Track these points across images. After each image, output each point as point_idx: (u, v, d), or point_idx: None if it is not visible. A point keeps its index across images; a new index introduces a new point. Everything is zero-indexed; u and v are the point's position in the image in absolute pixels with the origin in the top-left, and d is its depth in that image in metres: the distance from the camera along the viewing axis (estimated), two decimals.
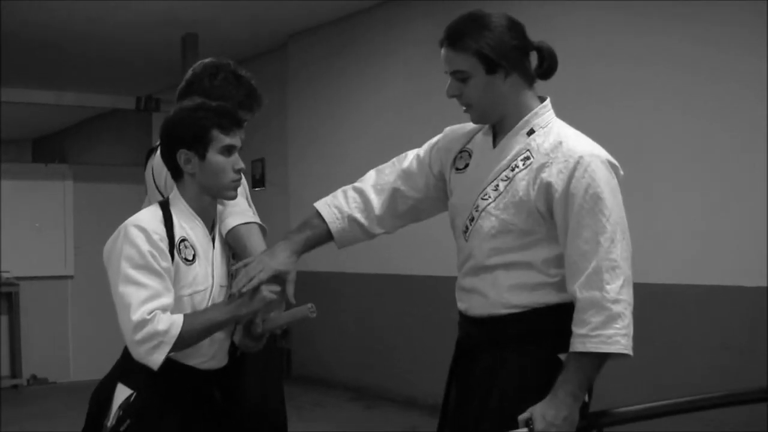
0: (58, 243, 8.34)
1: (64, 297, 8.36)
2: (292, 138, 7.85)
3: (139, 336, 2.08)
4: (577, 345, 1.98)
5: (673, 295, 4.58)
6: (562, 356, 2.05)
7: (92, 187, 8.53)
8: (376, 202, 2.34)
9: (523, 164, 2.09)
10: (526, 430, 1.96)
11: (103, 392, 2.25)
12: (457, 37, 2.09)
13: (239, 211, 2.37)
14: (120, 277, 2.12)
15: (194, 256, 2.22)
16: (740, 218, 4.43)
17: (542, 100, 2.17)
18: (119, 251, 2.14)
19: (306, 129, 7.69)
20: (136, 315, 2.07)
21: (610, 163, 2.05)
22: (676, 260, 4.62)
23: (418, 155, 2.38)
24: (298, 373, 7.60)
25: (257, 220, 2.40)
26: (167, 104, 8.73)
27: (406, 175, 2.36)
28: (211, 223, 2.32)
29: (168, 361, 2.12)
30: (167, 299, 2.13)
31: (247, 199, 2.53)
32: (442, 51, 2.13)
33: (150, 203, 2.54)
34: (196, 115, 2.21)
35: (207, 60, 2.83)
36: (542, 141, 2.10)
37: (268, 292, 2.18)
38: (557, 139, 2.08)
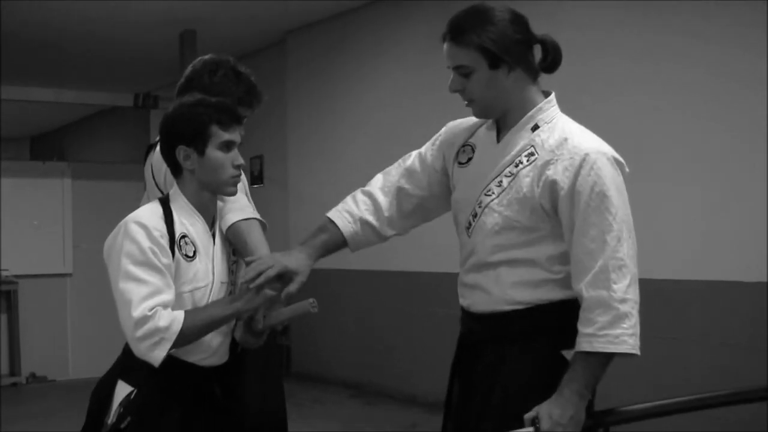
0: (56, 241, 8.33)
1: (63, 295, 8.36)
2: (291, 134, 7.84)
3: (140, 333, 2.07)
4: (584, 344, 1.97)
5: (674, 290, 4.58)
6: (565, 353, 2.05)
7: (91, 184, 8.53)
8: (385, 203, 2.34)
9: (527, 160, 2.08)
10: (532, 429, 1.95)
11: (103, 389, 2.25)
12: (459, 31, 2.07)
13: (239, 207, 2.36)
14: (120, 274, 2.11)
15: (195, 252, 2.22)
16: (740, 214, 4.42)
17: (546, 94, 2.15)
18: (119, 248, 2.13)
19: (305, 125, 7.69)
20: (137, 312, 2.07)
21: (615, 160, 2.04)
22: (677, 256, 4.62)
23: (420, 153, 2.37)
24: (297, 370, 7.60)
25: (257, 216, 2.40)
26: (166, 101, 8.73)
27: (409, 173, 2.35)
28: (211, 219, 2.31)
29: (168, 358, 2.11)
30: (168, 296, 2.12)
31: (246, 195, 2.52)
32: (445, 45, 2.11)
33: (149, 200, 2.53)
34: (195, 111, 2.20)
35: (207, 56, 2.82)
36: (547, 137, 2.08)
37: (270, 289, 2.17)
38: (562, 136, 2.06)
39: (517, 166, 2.09)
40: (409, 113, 6.52)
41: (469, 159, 2.22)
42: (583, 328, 1.98)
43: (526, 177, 2.07)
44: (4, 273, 7.93)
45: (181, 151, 2.21)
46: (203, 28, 7.45)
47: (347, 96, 7.24)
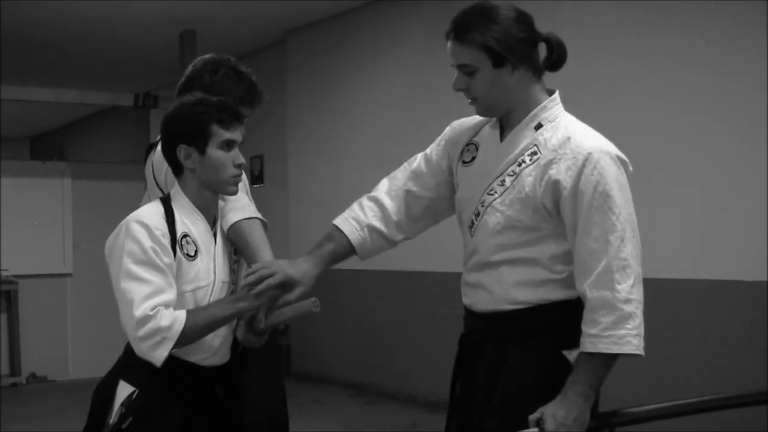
0: (56, 241, 8.33)
1: (63, 295, 8.35)
2: (291, 133, 7.84)
3: (141, 332, 2.07)
4: (588, 345, 1.96)
5: (674, 290, 4.58)
6: (566, 353, 2.04)
7: (91, 184, 8.52)
8: (392, 207, 2.31)
9: (530, 159, 2.07)
10: (536, 430, 1.94)
11: (105, 390, 2.24)
12: (463, 30, 2.06)
13: (240, 207, 2.35)
14: (122, 273, 2.10)
15: (196, 251, 2.21)
16: (740, 213, 4.42)
17: (551, 93, 2.14)
18: (121, 247, 2.12)
19: (305, 124, 7.68)
20: (139, 311, 2.06)
21: (619, 158, 2.02)
22: (677, 255, 4.62)
23: (426, 154, 2.35)
24: (297, 370, 7.59)
25: (259, 215, 2.39)
26: (166, 101, 8.73)
27: (415, 175, 2.33)
28: (212, 218, 2.31)
29: (170, 358, 2.11)
30: (170, 295, 2.12)
31: (247, 194, 2.52)
32: (449, 44, 2.10)
33: (150, 199, 2.53)
34: (195, 110, 2.20)
35: (207, 56, 2.82)
36: (550, 136, 2.07)
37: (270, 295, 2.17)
38: (565, 135, 2.05)
39: (520, 165, 2.08)
40: (409, 113, 6.52)
41: (473, 158, 2.21)
42: (587, 329, 1.97)
43: (529, 176, 2.06)
44: (4, 273, 7.92)
45: (182, 150, 2.20)
46: (203, 28, 7.45)
47: (347, 95, 7.24)
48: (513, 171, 2.09)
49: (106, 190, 8.44)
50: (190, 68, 2.81)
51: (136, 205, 2.35)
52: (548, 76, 2.15)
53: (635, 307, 1.96)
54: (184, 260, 2.18)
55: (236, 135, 2.23)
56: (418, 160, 2.35)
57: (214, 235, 2.29)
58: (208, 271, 2.24)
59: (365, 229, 2.30)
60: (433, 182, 2.31)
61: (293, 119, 7.81)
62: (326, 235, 2.32)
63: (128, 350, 2.20)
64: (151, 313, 2.07)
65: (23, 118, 12.03)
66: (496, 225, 2.10)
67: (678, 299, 4.62)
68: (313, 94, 7.58)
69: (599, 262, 1.96)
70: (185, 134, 2.19)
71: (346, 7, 7.09)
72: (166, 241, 2.14)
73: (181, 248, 2.18)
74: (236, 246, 2.34)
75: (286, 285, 2.18)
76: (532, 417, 1.96)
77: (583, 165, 1.99)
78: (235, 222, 2.32)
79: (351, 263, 2.40)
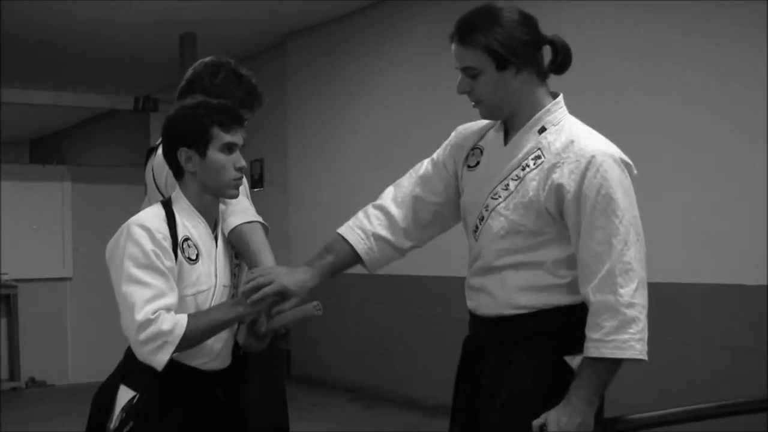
0: (56, 244, 8.31)
1: (63, 299, 8.34)
2: (291, 136, 7.84)
3: (143, 336, 2.06)
4: (591, 350, 1.96)
5: (674, 293, 4.56)
6: (569, 358, 2.03)
7: (90, 188, 8.51)
8: (399, 215, 2.29)
9: (534, 164, 2.06)
10: None
11: (105, 394, 2.23)
12: (466, 32, 2.05)
13: (241, 210, 2.35)
14: (123, 277, 2.10)
15: (197, 255, 2.21)
16: (741, 216, 4.41)
17: (555, 96, 2.13)
18: (122, 250, 2.12)
19: (305, 127, 7.68)
20: (140, 315, 2.06)
21: (623, 161, 2.02)
22: (677, 258, 4.61)
23: (432, 159, 2.33)
24: (297, 374, 7.59)
25: (259, 219, 2.38)
26: (166, 104, 8.72)
27: (423, 181, 2.30)
28: (213, 222, 2.30)
29: (171, 362, 2.10)
30: (171, 299, 2.11)
31: (247, 197, 2.51)
32: (452, 47, 2.09)
33: (150, 203, 2.52)
34: (196, 113, 2.20)
35: (208, 59, 2.82)
36: (554, 139, 2.06)
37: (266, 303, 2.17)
38: (569, 138, 2.04)
39: (524, 169, 2.07)
40: (410, 115, 6.52)
41: (478, 162, 2.20)
42: (590, 334, 1.97)
43: (533, 180, 2.05)
44: (3, 277, 7.91)
45: (183, 153, 2.20)
46: (203, 31, 7.44)
47: (347, 98, 7.23)
48: (517, 175, 2.08)
49: (106, 193, 8.43)
50: (190, 71, 2.81)
51: (135, 209, 2.34)
52: (550, 76, 2.14)
53: (638, 312, 1.95)
54: (185, 264, 2.17)
55: (237, 138, 2.22)
56: (425, 166, 2.33)
57: (215, 239, 2.29)
58: (210, 274, 2.24)
59: (371, 239, 2.27)
60: (442, 186, 2.29)
61: (293, 122, 7.80)
62: (328, 245, 2.30)
63: (129, 354, 2.19)
64: (153, 316, 2.06)
65: (23, 122, 12.02)
66: (500, 229, 2.09)
67: (680, 303, 4.60)
68: (313, 96, 7.58)
69: (602, 266, 1.95)
70: (186, 137, 2.19)
71: (346, 10, 7.09)
72: (168, 244, 2.13)
73: (183, 252, 2.17)
74: (237, 250, 2.33)
75: (283, 294, 2.17)
76: (536, 422, 1.95)
77: (587, 168, 1.98)
78: (236, 226, 2.31)
79: (352, 268, 2.38)
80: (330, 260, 2.26)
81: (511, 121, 2.14)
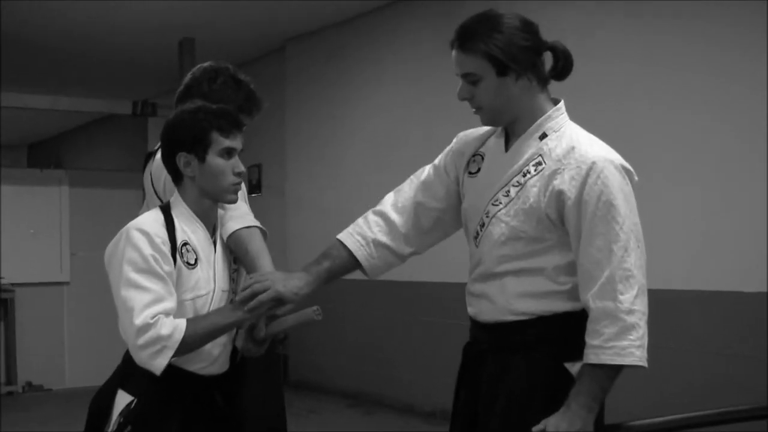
0: (53, 249, 8.30)
1: (60, 303, 8.32)
2: (290, 141, 7.84)
3: (142, 340, 2.06)
4: (591, 356, 1.95)
5: (673, 300, 4.56)
6: (569, 365, 2.03)
7: (88, 192, 8.50)
8: (399, 220, 2.27)
9: (535, 170, 2.06)
10: None
11: (103, 399, 2.23)
12: (466, 39, 2.05)
13: (240, 215, 2.35)
14: (122, 281, 2.09)
15: (196, 260, 2.21)
16: (740, 223, 4.41)
17: (556, 102, 2.13)
18: (121, 255, 2.11)
19: (304, 132, 7.68)
20: (139, 319, 2.05)
21: (624, 168, 2.02)
22: (676, 265, 4.60)
23: (435, 165, 2.32)
24: (294, 379, 7.57)
25: (258, 223, 2.38)
26: (164, 109, 8.71)
27: (425, 186, 2.30)
28: (212, 226, 2.30)
29: (169, 367, 2.09)
30: (170, 303, 2.11)
31: (245, 203, 2.50)
32: (453, 53, 2.09)
33: (148, 208, 2.52)
34: (196, 117, 2.19)
35: (206, 64, 2.82)
36: (554, 146, 2.06)
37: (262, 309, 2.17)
38: (570, 144, 2.04)
39: (525, 175, 2.07)
40: (408, 120, 6.52)
41: (479, 169, 2.20)
42: (590, 340, 1.96)
43: (534, 187, 2.05)
44: (1, 281, 7.90)
45: (182, 158, 2.19)
46: (202, 36, 7.44)
47: (346, 103, 7.24)
48: (518, 182, 2.08)
49: (104, 197, 8.42)
50: (188, 76, 2.81)
51: (133, 214, 2.34)
52: (551, 82, 2.14)
53: (638, 318, 1.94)
54: (184, 268, 2.17)
55: (236, 143, 2.22)
56: (426, 171, 2.32)
57: (214, 244, 2.28)
58: (208, 279, 2.23)
59: (371, 245, 2.27)
60: (443, 192, 2.28)
61: (292, 127, 7.80)
62: (326, 251, 2.29)
63: (127, 359, 2.19)
64: (152, 321, 2.06)
65: (21, 125, 12.01)
66: (501, 236, 2.09)
67: (679, 310, 4.60)
68: (312, 101, 7.58)
69: (602, 272, 1.95)
70: (185, 142, 2.18)
71: (345, 15, 7.09)
72: (167, 248, 2.13)
73: (182, 256, 2.17)
74: (236, 255, 2.33)
75: (278, 301, 2.16)
76: (536, 429, 1.95)
77: (587, 174, 1.98)
78: (235, 231, 2.31)
79: (349, 274, 2.37)
80: (327, 266, 2.25)
81: (512, 127, 2.13)
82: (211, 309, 2.22)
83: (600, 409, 1.99)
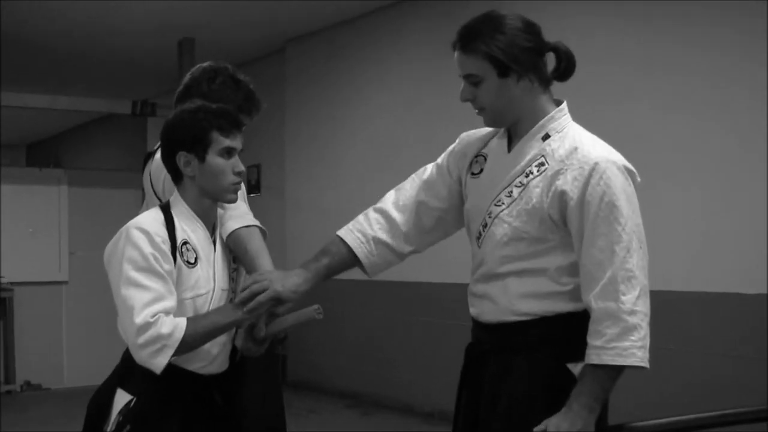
0: (52, 248, 8.30)
1: (59, 302, 8.32)
2: (289, 142, 7.84)
3: (142, 339, 2.05)
4: (593, 357, 1.95)
5: (673, 301, 4.56)
6: (571, 366, 2.03)
7: (87, 191, 8.50)
8: (400, 219, 2.27)
9: (538, 171, 2.05)
10: None
11: (102, 398, 2.23)
12: (468, 40, 2.05)
13: (239, 215, 2.35)
14: (122, 280, 2.09)
15: (196, 259, 2.21)
16: (740, 224, 4.42)
17: (558, 103, 2.13)
18: (121, 253, 2.11)
19: (303, 133, 7.68)
20: (140, 318, 2.05)
21: (626, 169, 2.02)
22: (676, 267, 4.61)
23: (437, 164, 2.32)
24: (293, 380, 7.57)
25: (257, 223, 2.38)
26: (163, 109, 8.70)
27: (427, 185, 2.29)
28: (211, 226, 2.30)
29: (168, 366, 2.09)
30: (170, 302, 2.11)
31: (244, 202, 2.51)
32: (455, 54, 2.09)
33: (148, 208, 2.51)
34: (195, 117, 2.19)
35: (205, 64, 2.82)
36: (557, 146, 2.06)
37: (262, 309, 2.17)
38: (572, 145, 2.04)
39: (527, 176, 2.07)
40: (409, 120, 6.53)
41: (482, 169, 2.19)
42: (591, 341, 1.96)
43: (536, 187, 2.04)
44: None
45: (182, 158, 2.19)
46: (202, 36, 7.44)
47: (347, 104, 7.24)
48: (520, 182, 2.07)
49: (103, 197, 8.42)
50: (187, 76, 2.81)
51: (132, 213, 2.34)
52: (553, 83, 2.14)
53: (640, 319, 1.94)
54: (184, 267, 2.17)
55: (236, 142, 2.22)
56: (429, 171, 2.32)
57: (214, 243, 2.28)
58: (208, 278, 2.23)
59: (371, 242, 2.26)
60: (446, 192, 2.28)
61: (291, 127, 7.80)
62: (325, 248, 2.28)
63: (126, 358, 2.19)
64: (152, 320, 2.06)
65: (20, 125, 12.01)
66: (503, 236, 2.08)
67: (679, 311, 4.60)
68: (312, 102, 7.58)
69: (605, 273, 1.95)
70: (185, 141, 2.18)
71: (345, 16, 7.09)
72: (167, 247, 2.13)
73: (182, 255, 2.17)
74: (235, 254, 2.33)
75: (277, 300, 2.16)
76: (537, 429, 1.95)
77: (590, 175, 1.98)
78: (234, 230, 2.31)
79: (348, 273, 2.37)
80: (325, 262, 2.25)
81: (515, 128, 2.13)
82: (210, 308, 2.22)
83: (603, 409, 1.99)
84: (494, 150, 2.19)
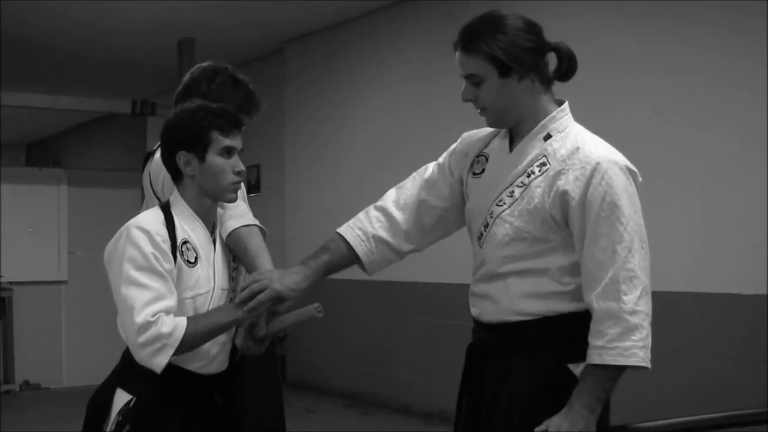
0: (52, 247, 8.30)
1: (58, 302, 8.31)
2: (288, 142, 7.84)
3: (142, 338, 2.05)
4: (594, 357, 1.95)
5: (673, 302, 4.56)
6: (572, 366, 2.03)
7: (87, 191, 8.50)
8: (401, 217, 2.27)
9: (539, 171, 2.05)
10: None
11: (101, 397, 2.22)
12: (469, 40, 2.05)
13: (239, 214, 2.35)
14: (122, 279, 2.09)
15: (196, 258, 2.21)
16: (740, 225, 4.42)
17: (560, 103, 2.13)
18: (121, 253, 2.11)
19: (303, 133, 7.68)
20: (140, 317, 2.05)
21: (628, 169, 2.01)
22: (676, 268, 4.61)
23: (438, 163, 2.32)
24: (292, 379, 7.57)
25: (257, 222, 2.38)
26: (163, 108, 8.70)
27: (429, 185, 2.29)
28: (211, 225, 2.30)
29: (168, 366, 2.09)
30: (171, 301, 2.11)
31: (244, 201, 2.51)
32: (456, 54, 2.09)
33: (147, 208, 2.51)
34: (195, 117, 2.20)
35: (205, 64, 2.82)
36: (559, 146, 2.06)
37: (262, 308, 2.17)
38: (574, 145, 2.04)
39: (529, 176, 2.07)
40: (408, 121, 6.52)
41: (483, 170, 2.19)
42: (593, 341, 1.96)
43: (538, 188, 2.04)
44: None
45: (182, 157, 2.19)
46: (202, 36, 7.44)
47: (346, 104, 7.24)
48: (522, 182, 2.07)
49: (102, 197, 8.42)
50: (187, 76, 2.81)
51: (131, 213, 2.33)
52: (554, 83, 2.14)
53: (642, 319, 1.94)
54: (184, 267, 2.17)
55: (236, 142, 2.22)
56: (430, 169, 2.31)
57: (214, 242, 2.29)
58: (208, 278, 2.23)
59: (371, 240, 2.26)
60: (448, 191, 2.27)
61: (291, 128, 7.80)
62: (324, 245, 2.28)
63: (125, 358, 2.19)
64: (152, 319, 2.06)
65: (20, 124, 12.01)
66: (505, 236, 2.08)
67: (679, 312, 4.60)
68: (312, 102, 7.58)
69: (606, 273, 1.95)
70: (185, 141, 2.19)
71: (345, 16, 7.09)
72: (167, 247, 2.13)
73: (182, 254, 2.17)
74: (235, 253, 2.33)
75: (277, 298, 2.16)
76: (538, 429, 1.95)
77: (592, 175, 1.98)
78: (234, 229, 2.31)
79: (348, 273, 2.37)
80: (325, 259, 2.24)
81: (517, 128, 2.13)
82: (210, 307, 2.22)
83: (605, 409, 1.99)
84: (496, 150, 2.19)
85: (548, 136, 2.08)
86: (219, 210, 2.33)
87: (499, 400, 2.08)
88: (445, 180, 2.28)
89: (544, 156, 2.06)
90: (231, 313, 2.18)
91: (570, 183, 2.00)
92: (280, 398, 3.14)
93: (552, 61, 2.11)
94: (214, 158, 2.19)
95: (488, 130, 2.24)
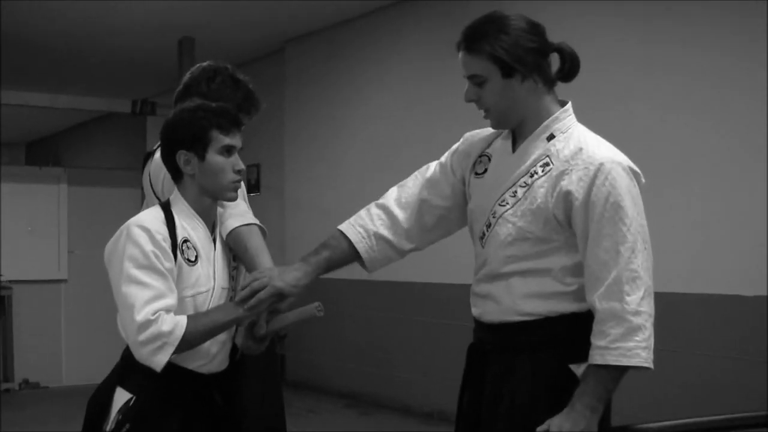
0: (51, 246, 8.31)
1: (58, 301, 8.32)
2: (288, 142, 7.84)
3: (142, 337, 2.05)
4: (596, 357, 1.95)
5: (674, 303, 4.56)
6: (574, 367, 2.02)
7: (86, 190, 8.51)
8: (402, 216, 2.26)
9: (542, 171, 2.05)
10: None
11: (101, 396, 2.22)
12: (472, 40, 2.05)
13: (239, 213, 2.35)
14: (123, 278, 2.09)
15: (196, 257, 2.21)
16: (740, 227, 4.41)
17: (563, 104, 2.13)
18: (122, 251, 2.11)
19: (303, 133, 7.68)
20: (140, 315, 2.05)
21: (631, 170, 2.01)
22: (676, 268, 4.60)
23: (440, 163, 2.31)
24: (292, 379, 7.57)
25: (257, 221, 2.38)
26: (163, 108, 8.71)
27: (430, 184, 2.28)
28: (211, 224, 2.30)
29: (168, 365, 2.09)
30: (171, 300, 2.10)
31: (244, 200, 2.51)
32: (459, 55, 2.09)
33: (147, 208, 2.51)
34: (195, 116, 2.20)
35: (205, 63, 2.82)
36: (562, 147, 2.05)
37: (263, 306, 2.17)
38: (577, 145, 2.04)
39: (532, 176, 2.06)
40: (408, 121, 6.52)
41: (486, 169, 2.19)
42: (595, 341, 1.96)
43: (541, 188, 2.04)
44: None
45: (182, 156, 2.19)
46: (202, 36, 7.44)
47: (346, 104, 7.24)
48: (525, 182, 2.07)
49: (102, 196, 8.43)
50: (187, 76, 2.81)
51: (131, 212, 2.34)
52: (557, 84, 2.14)
53: (645, 320, 1.94)
54: (184, 265, 2.17)
55: (236, 141, 2.22)
56: (432, 169, 2.31)
57: (214, 241, 2.28)
58: (208, 276, 2.23)
59: (372, 238, 2.25)
60: (449, 190, 2.27)
61: (291, 128, 7.80)
62: (325, 241, 2.28)
63: (126, 356, 2.19)
64: (153, 317, 2.05)
65: (20, 123, 12.01)
66: (507, 236, 2.08)
67: (679, 313, 4.60)
68: (312, 102, 7.58)
69: (609, 274, 1.95)
70: (185, 140, 2.19)
71: (345, 16, 7.09)
72: (167, 245, 2.13)
73: (182, 253, 2.17)
74: (235, 252, 2.33)
75: (278, 296, 2.16)
76: (539, 429, 1.95)
77: (595, 176, 1.98)
78: (234, 228, 2.31)
79: (348, 273, 2.37)
80: (326, 256, 2.24)
81: (519, 128, 2.13)
82: (211, 306, 2.22)
83: (606, 410, 1.99)
84: (498, 150, 2.19)
85: (551, 137, 2.08)
86: (219, 209, 2.33)
87: (500, 401, 2.07)
88: (446, 179, 2.28)
89: (548, 156, 2.06)
90: (231, 312, 2.18)
91: (573, 183, 2.00)
92: (280, 398, 3.14)
93: (555, 61, 2.11)
94: (213, 157, 2.19)
95: (490, 130, 2.24)
